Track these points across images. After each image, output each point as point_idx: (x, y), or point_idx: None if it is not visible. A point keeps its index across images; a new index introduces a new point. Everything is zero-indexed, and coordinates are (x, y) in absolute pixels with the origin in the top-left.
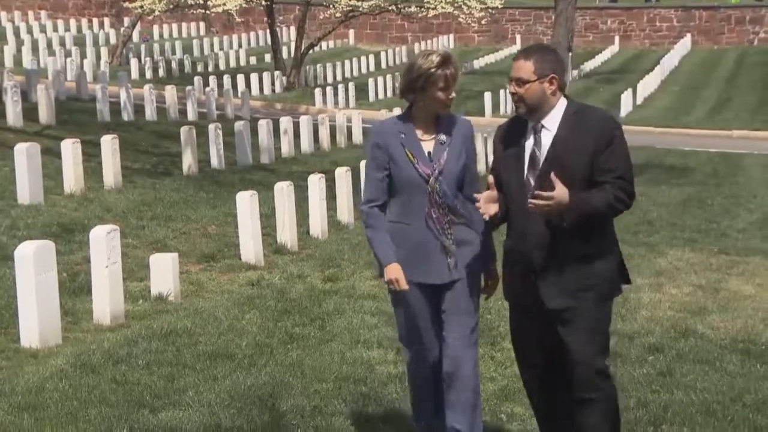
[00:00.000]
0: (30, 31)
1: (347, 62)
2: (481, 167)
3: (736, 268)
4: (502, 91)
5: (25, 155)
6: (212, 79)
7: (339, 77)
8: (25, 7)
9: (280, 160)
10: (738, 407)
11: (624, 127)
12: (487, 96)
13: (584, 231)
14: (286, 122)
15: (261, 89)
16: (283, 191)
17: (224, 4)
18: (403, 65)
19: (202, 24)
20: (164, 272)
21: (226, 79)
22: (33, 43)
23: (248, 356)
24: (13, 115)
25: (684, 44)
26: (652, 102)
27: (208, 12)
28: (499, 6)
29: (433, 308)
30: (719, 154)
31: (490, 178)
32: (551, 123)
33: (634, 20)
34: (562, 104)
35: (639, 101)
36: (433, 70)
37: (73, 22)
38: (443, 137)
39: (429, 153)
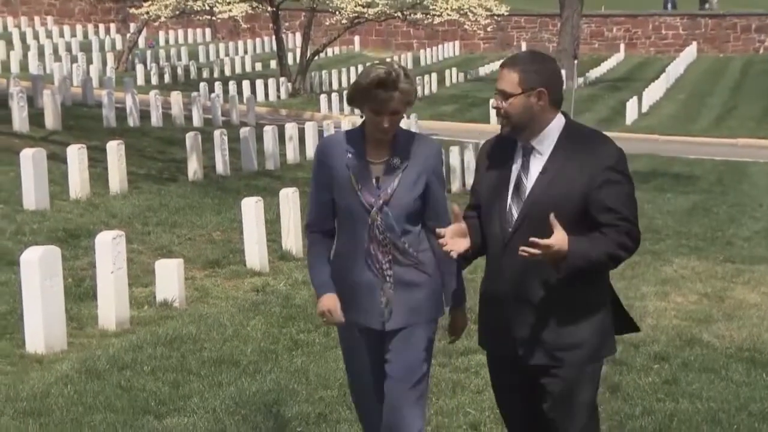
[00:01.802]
0: (36, 36)
1: (353, 68)
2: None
3: (741, 276)
4: None
5: (31, 161)
6: (218, 85)
7: (344, 83)
8: (32, 12)
9: (286, 166)
10: (743, 416)
11: (629, 135)
12: (492, 103)
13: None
14: (291, 128)
15: (266, 95)
16: (288, 197)
17: (230, 11)
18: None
19: (207, 30)
20: (169, 278)
21: (232, 85)
22: (39, 48)
23: (253, 362)
24: (20, 121)
25: (690, 52)
26: (657, 110)
27: (213, 18)
28: (505, 13)
29: (379, 356)
30: (724, 162)
31: (455, 208)
32: (543, 145)
33: (640, 28)
34: (557, 124)
35: (644, 109)
36: (368, 87)
37: (79, 27)
38: (397, 160)
39: (377, 178)
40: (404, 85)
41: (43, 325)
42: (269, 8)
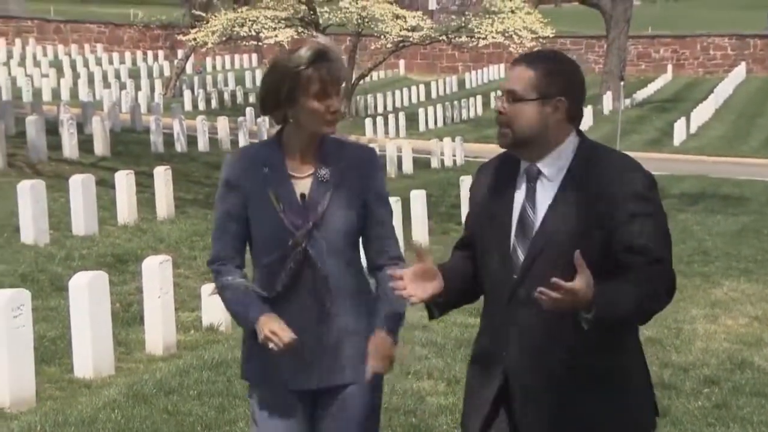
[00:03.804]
0: (86, 64)
1: (398, 92)
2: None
3: None
4: None
5: (80, 187)
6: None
7: (389, 107)
8: (82, 40)
9: None
10: None
11: (678, 156)
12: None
13: (599, 332)
14: None
15: None
16: None
17: (276, 36)
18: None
19: (254, 56)
20: (215, 302)
21: None
22: (89, 75)
23: None
24: (69, 147)
25: (739, 73)
26: (706, 131)
27: (260, 44)
28: (551, 35)
29: (309, 427)
30: None
31: (417, 243)
32: (553, 169)
33: (687, 49)
34: (571, 143)
35: (693, 130)
36: (302, 68)
37: (128, 54)
38: (325, 172)
39: (303, 195)
40: (337, 57)
41: (91, 350)
42: (315, 33)
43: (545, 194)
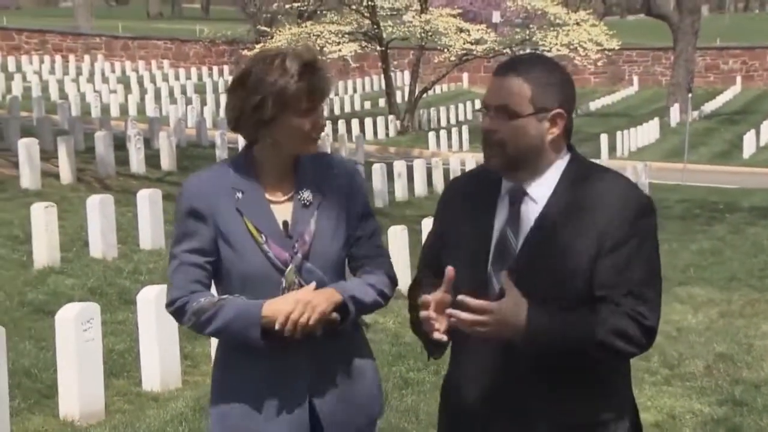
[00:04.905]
0: (153, 80)
1: (461, 105)
2: None
3: None
4: (618, 133)
5: (147, 201)
6: (327, 124)
7: (453, 120)
8: (149, 56)
9: (394, 204)
10: None
11: (747, 169)
12: (603, 137)
13: (576, 376)
14: (399, 166)
15: (375, 133)
16: (397, 235)
17: (339, 50)
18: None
19: None
20: None
21: (341, 124)
22: (156, 91)
23: None
24: (137, 162)
25: None
26: None
27: (323, 58)
28: (616, 47)
29: None
30: None
31: (450, 271)
32: (540, 190)
33: (757, 60)
34: (561, 161)
35: (762, 142)
36: (289, 83)
37: (194, 70)
38: (306, 194)
39: (285, 223)
40: (323, 64)
41: (159, 364)
42: (378, 47)
43: (529, 218)
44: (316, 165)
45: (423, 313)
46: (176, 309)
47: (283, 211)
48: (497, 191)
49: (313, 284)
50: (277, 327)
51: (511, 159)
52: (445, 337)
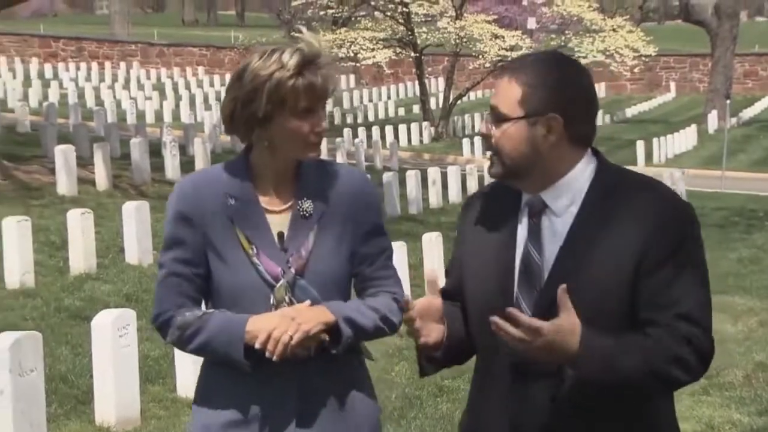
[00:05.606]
0: (188, 86)
1: None
2: None
3: None
4: (655, 140)
5: None
6: (361, 131)
7: None
8: (184, 63)
9: (428, 211)
10: None
11: None
12: (640, 144)
13: (614, 408)
14: (434, 173)
15: (409, 140)
16: (432, 242)
17: (374, 57)
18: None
19: (352, 76)
20: None
21: (375, 131)
22: (191, 98)
23: (398, 408)
24: (172, 169)
25: None
26: None
27: (357, 65)
28: (653, 54)
29: None
30: None
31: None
32: (560, 202)
33: None
34: (585, 169)
35: None
36: (285, 79)
37: (228, 76)
38: (307, 204)
39: (280, 234)
40: (327, 60)
41: (193, 369)
42: (413, 54)
43: (552, 232)
44: (321, 173)
45: (405, 315)
46: (161, 324)
47: (279, 221)
48: (516, 204)
49: (307, 303)
50: (257, 345)
51: (509, 168)
52: (431, 341)
